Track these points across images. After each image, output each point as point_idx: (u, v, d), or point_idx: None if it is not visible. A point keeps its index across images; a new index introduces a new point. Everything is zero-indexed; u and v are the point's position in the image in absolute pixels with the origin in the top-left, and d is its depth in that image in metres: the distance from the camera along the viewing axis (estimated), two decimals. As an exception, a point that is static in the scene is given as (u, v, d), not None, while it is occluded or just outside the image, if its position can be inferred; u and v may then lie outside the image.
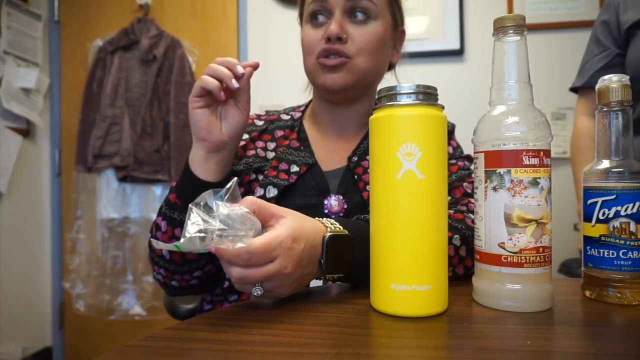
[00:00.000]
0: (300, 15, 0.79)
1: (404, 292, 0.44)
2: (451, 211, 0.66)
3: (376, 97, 0.48)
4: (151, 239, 0.53)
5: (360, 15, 0.72)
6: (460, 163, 0.78)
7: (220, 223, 0.43)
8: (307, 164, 0.73)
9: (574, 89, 1.18)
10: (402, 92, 0.45)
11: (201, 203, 0.44)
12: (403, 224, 0.44)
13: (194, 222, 0.42)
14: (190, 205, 0.43)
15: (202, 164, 0.63)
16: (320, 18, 0.73)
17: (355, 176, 0.73)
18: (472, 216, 0.66)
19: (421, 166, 0.43)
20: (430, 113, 0.45)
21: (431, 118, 0.45)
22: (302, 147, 0.76)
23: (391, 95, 0.46)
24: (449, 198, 0.72)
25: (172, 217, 0.64)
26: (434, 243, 0.44)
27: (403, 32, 0.82)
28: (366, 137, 0.77)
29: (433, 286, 0.44)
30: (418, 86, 0.45)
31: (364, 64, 0.72)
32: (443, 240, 0.45)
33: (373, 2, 0.72)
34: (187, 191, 0.63)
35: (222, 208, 0.44)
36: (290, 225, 0.47)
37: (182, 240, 0.42)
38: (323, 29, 0.72)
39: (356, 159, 0.74)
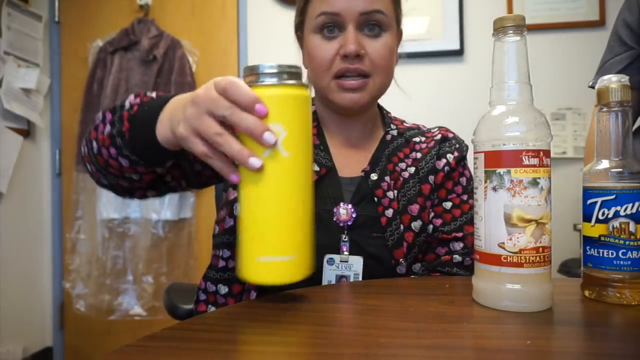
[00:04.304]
0: (301, 22, 0.77)
1: (270, 263, 0.45)
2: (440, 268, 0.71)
3: (241, 76, 0.47)
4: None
5: (374, 29, 0.70)
6: (471, 201, 0.73)
7: None
8: (327, 166, 0.73)
9: (593, 87, 1.15)
10: (264, 72, 0.45)
11: None
12: (269, 200, 0.45)
13: None
14: None
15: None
16: (333, 30, 0.70)
17: (376, 199, 0.71)
18: (458, 258, 0.70)
19: (286, 144, 0.44)
20: (294, 93, 0.45)
21: (295, 98, 0.45)
22: (321, 147, 0.75)
23: (254, 74, 0.45)
24: (455, 245, 0.72)
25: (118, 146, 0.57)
26: (299, 216, 0.46)
27: (401, 33, 0.81)
28: (379, 148, 0.77)
29: (298, 255, 0.46)
30: (281, 66, 0.45)
31: (381, 80, 0.72)
32: (308, 212, 0.47)
33: (385, 14, 0.70)
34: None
35: None
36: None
37: None
38: (336, 42, 0.70)
39: (376, 178, 0.73)
